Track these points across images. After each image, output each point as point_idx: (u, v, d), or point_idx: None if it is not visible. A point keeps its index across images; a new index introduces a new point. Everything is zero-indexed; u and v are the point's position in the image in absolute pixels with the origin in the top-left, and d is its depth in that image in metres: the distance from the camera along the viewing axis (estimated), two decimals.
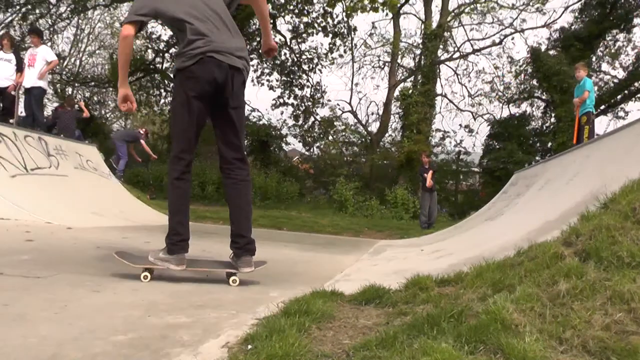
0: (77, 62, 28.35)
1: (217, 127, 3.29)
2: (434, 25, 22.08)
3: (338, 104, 26.88)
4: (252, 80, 24.57)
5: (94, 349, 1.78)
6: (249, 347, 1.89)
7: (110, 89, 27.59)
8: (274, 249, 6.40)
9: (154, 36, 23.88)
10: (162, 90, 25.21)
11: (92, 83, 26.27)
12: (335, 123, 25.80)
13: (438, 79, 23.95)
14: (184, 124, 3.19)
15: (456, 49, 25.05)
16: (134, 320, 2.24)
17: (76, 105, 13.66)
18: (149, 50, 24.48)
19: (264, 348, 1.82)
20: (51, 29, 22.32)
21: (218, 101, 3.17)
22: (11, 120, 9.54)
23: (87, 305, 2.47)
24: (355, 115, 25.93)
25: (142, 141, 14.13)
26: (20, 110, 10.16)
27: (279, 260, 5.29)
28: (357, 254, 6.40)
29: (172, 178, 3.20)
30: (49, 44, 19.98)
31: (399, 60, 24.38)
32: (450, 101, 26.32)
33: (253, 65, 24.12)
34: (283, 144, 23.62)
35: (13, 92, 9.57)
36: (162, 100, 25.27)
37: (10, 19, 21.98)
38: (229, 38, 3.18)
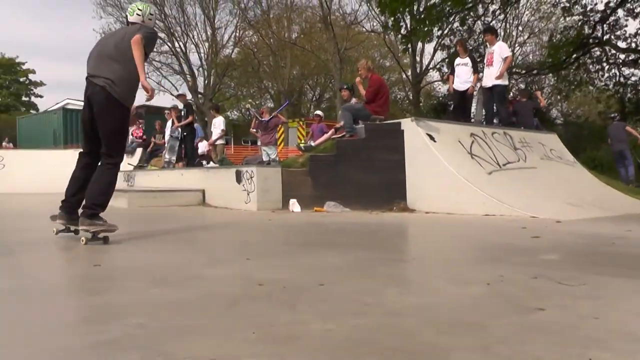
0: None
1: None
2: None
3: None
4: None
5: None
6: None
7: (544, 75, 26.96)
8: None
9: (588, 7, 21.78)
10: (604, 64, 22.96)
11: (531, 72, 26.15)
12: None
13: None
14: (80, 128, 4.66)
15: None
16: None
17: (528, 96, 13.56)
18: (585, 26, 22.46)
19: None
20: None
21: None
22: (472, 120, 10.17)
23: None
24: None
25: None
26: (474, 107, 10.75)
27: None
28: None
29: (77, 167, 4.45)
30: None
31: None
32: None
33: None
34: None
35: (474, 94, 10.12)
36: (606, 74, 23.12)
37: (450, 26, 24.08)
38: (99, 65, 4.23)
